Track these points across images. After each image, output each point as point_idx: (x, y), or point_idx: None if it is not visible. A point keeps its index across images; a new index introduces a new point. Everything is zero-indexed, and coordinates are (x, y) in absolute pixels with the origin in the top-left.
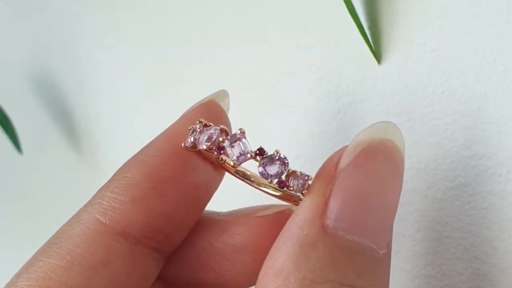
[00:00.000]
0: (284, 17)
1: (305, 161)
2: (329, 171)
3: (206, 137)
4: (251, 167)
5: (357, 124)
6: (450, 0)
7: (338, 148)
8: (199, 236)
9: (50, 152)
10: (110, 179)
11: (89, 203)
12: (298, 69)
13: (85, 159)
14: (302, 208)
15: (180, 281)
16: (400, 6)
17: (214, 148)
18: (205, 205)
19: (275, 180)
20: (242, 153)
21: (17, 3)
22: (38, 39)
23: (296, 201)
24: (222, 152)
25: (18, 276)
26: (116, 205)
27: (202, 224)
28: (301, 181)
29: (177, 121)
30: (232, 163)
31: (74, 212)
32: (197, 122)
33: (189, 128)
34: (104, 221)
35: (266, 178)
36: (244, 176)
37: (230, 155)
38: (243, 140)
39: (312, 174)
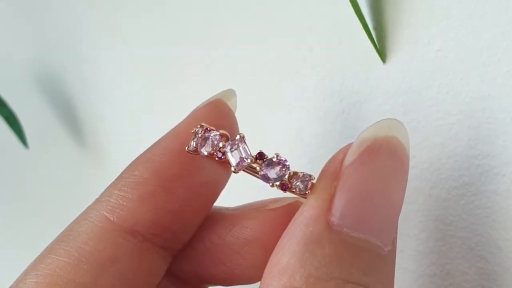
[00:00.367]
0: (288, 17)
1: (309, 161)
2: (334, 168)
3: (206, 143)
4: None
5: (361, 123)
6: (454, 1)
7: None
8: (209, 230)
9: (55, 149)
10: (118, 177)
11: (97, 201)
12: (302, 69)
13: (89, 156)
14: (307, 206)
15: (190, 276)
16: (404, 6)
17: (215, 153)
18: (213, 203)
19: (277, 183)
20: (242, 158)
21: (22, 3)
22: (44, 38)
23: (303, 194)
24: (223, 157)
25: (26, 273)
26: (124, 203)
27: (212, 219)
28: (303, 182)
29: (184, 120)
30: (233, 169)
31: (78, 209)
32: (199, 126)
33: (191, 131)
34: (112, 219)
35: (268, 182)
36: (251, 169)
37: (230, 161)
38: (243, 145)
39: (316, 174)
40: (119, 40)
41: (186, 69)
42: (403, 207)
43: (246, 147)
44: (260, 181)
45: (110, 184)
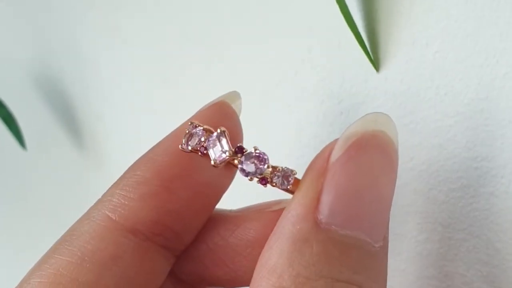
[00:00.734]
0: (287, 18)
1: (307, 162)
2: (321, 164)
3: (192, 138)
4: None
5: None
6: (452, 2)
7: None
8: (212, 232)
9: (54, 150)
10: (120, 177)
11: (99, 201)
12: (301, 70)
13: (88, 158)
14: (294, 204)
15: (193, 277)
16: (402, 8)
17: (198, 149)
18: (215, 204)
19: (257, 178)
20: (221, 152)
21: (22, 3)
22: (43, 38)
23: (286, 189)
24: (205, 152)
25: (31, 273)
26: (126, 202)
27: (215, 220)
28: (284, 177)
29: (186, 121)
30: (212, 163)
31: (77, 210)
32: (189, 123)
33: (185, 130)
34: (114, 218)
35: (246, 176)
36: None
37: (210, 155)
38: (223, 139)
39: None
40: (119, 40)
41: (186, 69)
42: (400, 209)
43: (226, 141)
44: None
45: (113, 184)
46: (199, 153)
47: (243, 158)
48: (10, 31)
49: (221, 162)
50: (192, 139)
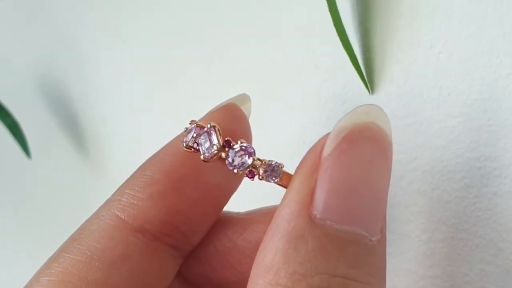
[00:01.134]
0: (290, 19)
1: None
2: (313, 160)
3: (188, 135)
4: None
5: None
6: (456, 3)
7: None
8: (221, 234)
9: (57, 155)
10: (130, 177)
11: (109, 200)
12: (304, 71)
13: (92, 165)
14: (288, 200)
15: (201, 279)
16: (406, 10)
17: (191, 145)
18: (223, 205)
19: (244, 171)
20: (209, 146)
21: (20, 9)
22: (44, 44)
23: (276, 183)
24: (198, 148)
25: (40, 272)
26: (135, 202)
27: (223, 222)
28: (272, 170)
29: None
30: (202, 157)
31: (81, 216)
32: (189, 122)
33: (184, 128)
34: (123, 217)
35: (233, 169)
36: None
37: (200, 150)
38: (212, 134)
39: None
40: (121, 42)
41: (188, 69)
42: (404, 209)
43: (215, 136)
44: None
45: (122, 184)
46: (193, 149)
47: (229, 152)
48: (14, 37)
49: (210, 156)
50: (187, 136)
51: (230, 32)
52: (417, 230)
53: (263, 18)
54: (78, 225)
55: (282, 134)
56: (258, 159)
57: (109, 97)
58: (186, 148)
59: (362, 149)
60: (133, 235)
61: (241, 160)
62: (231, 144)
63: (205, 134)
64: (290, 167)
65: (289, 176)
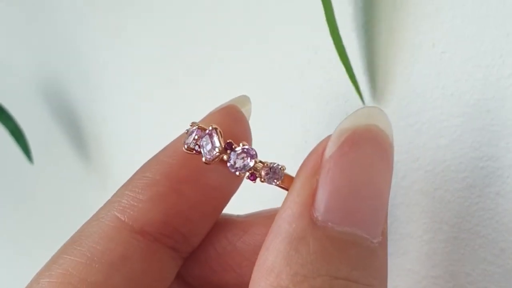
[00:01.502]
0: (293, 18)
1: None
2: (315, 162)
3: (189, 137)
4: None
5: None
6: (459, 3)
7: None
8: (220, 236)
9: (59, 159)
10: (130, 178)
11: (108, 201)
12: (307, 71)
13: (93, 165)
14: (289, 202)
15: (200, 281)
16: (409, 10)
17: (193, 147)
18: (223, 207)
19: (246, 173)
20: (211, 149)
21: (21, 10)
22: (47, 47)
23: (278, 185)
24: (199, 150)
25: (40, 274)
26: (135, 203)
27: (223, 225)
28: (274, 172)
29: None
30: (204, 160)
31: (83, 215)
32: (190, 124)
33: (185, 130)
34: (123, 219)
35: (235, 172)
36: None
37: (202, 152)
38: (214, 136)
39: None
40: (121, 43)
41: (190, 70)
42: (407, 208)
43: (217, 138)
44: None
45: (122, 186)
46: (194, 152)
47: (231, 154)
48: (14, 41)
49: (212, 159)
50: (188, 138)
51: (230, 32)
52: (419, 230)
53: (263, 18)
54: (79, 226)
55: (284, 134)
56: (260, 162)
57: (112, 98)
58: (187, 150)
59: (363, 152)
60: (133, 237)
61: (243, 162)
62: (233, 147)
63: (207, 136)
64: (292, 167)
65: (291, 179)
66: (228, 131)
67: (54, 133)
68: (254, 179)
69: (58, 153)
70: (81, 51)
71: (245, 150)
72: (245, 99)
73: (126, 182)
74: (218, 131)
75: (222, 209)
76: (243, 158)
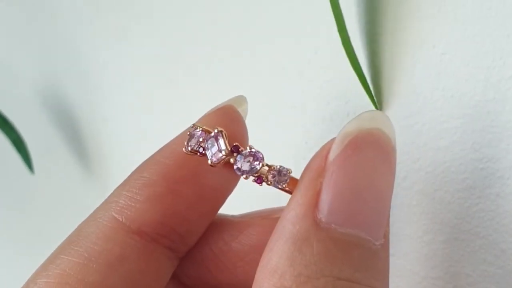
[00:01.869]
0: (294, 18)
1: None
2: (319, 164)
3: (192, 140)
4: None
5: None
6: (459, 4)
7: None
8: (216, 236)
9: (60, 169)
10: (127, 178)
11: (105, 202)
12: (307, 71)
13: (94, 178)
14: (293, 203)
15: (196, 281)
16: (409, 11)
17: (197, 149)
18: (219, 207)
19: (253, 176)
20: (217, 151)
21: (21, 11)
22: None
23: (283, 189)
24: (204, 153)
25: (37, 274)
26: (132, 204)
27: (219, 225)
28: (280, 175)
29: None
30: (209, 162)
31: (83, 216)
32: (191, 126)
33: (187, 132)
34: (120, 219)
35: (242, 175)
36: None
37: (207, 155)
38: (219, 139)
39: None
40: (121, 43)
41: (191, 71)
42: (407, 209)
43: (222, 141)
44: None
45: (119, 186)
46: (198, 154)
47: (238, 157)
48: (16, 47)
49: (218, 161)
50: (192, 141)
51: (230, 32)
52: (419, 231)
53: (264, 18)
54: None
55: (284, 135)
56: (267, 165)
57: (112, 100)
58: (191, 152)
59: (366, 155)
60: (130, 237)
61: (250, 166)
62: (239, 150)
63: (212, 139)
64: (292, 168)
65: (295, 181)
66: (225, 131)
67: (55, 142)
68: (260, 182)
69: (59, 163)
70: (81, 52)
71: (252, 153)
72: (241, 99)
73: (123, 182)
74: (223, 133)
75: (218, 209)
76: (249, 161)
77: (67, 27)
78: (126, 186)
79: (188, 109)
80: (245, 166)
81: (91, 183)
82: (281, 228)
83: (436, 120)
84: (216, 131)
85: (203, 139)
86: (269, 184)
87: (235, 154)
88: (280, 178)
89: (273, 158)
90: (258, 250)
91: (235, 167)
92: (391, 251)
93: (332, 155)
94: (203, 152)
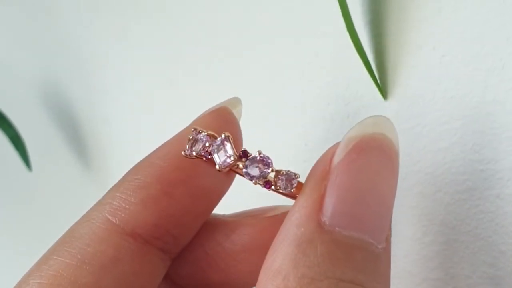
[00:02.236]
0: (294, 20)
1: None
2: (323, 167)
3: (197, 144)
4: None
5: None
6: (459, 6)
7: None
8: (208, 236)
9: (58, 166)
10: (121, 180)
11: (99, 203)
12: (307, 73)
13: (94, 178)
14: (298, 206)
15: (188, 281)
16: (409, 13)
17: (203, 154)
18: (213, 208)
19: (261, 181)
20: (226, 156)
21: (22, 11)
22: (49, 51)
23: (289, 193)
24: (210, 157)
25: (29, 274)
26: (126, 206)
27: (211, 225)
28: (288, 180)
29: (188, 127)
30: (217, 167)
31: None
32: (192, 129)
33: (189, 136)
34: (114, 221)
35: (251, 180)
36: (238, 169)
37: (215, 160)
38: (227, 144)
39: None
40: (122, 43)
41: (191, 72)
42: (406, 211)
43: (230, 146)
44: (259, 187)
45: (113, 187)
46: (204, 159)
47: (248, 162)
48: (15, 46)
49: (226, 166)
50: (197, 145)
51: (231, 32)
52: (419, 232)
53: (264, 19)
54: None
55: (284, 136)
56: (275, 170)
57: (112, 100)
58: (197, 156)
59: (370, 159)
60: (124, 239)
61: (259, 171)
62: (248, 155)
63: (219, 144)
64: (291, 169)
65: (301, 185)
66: (220, 132)
67: (53, 140)
68: (269, 187)
69: (57, 160)
70: (81, 53)
71: (261, 158)
72: (235, 100)
73: (117, 184)
74: (230, 138)
75: (212, 210)
76: (258, 166)
77: (67, 28)
78: (120, 187)
79: (188, 109)
80: (255, 172)
81: (90, 180)
82: (285, 230)
83: (436, 122)
84: (223, 136)
85: (209, 144)
86: (277, 189)
87: (243, 160)
88: (288, 183)
89: (273, 159)
90: (250, 250)
91: (244, 171)
92: (391, 252)
93: (336, 159)
94: (209, 157)
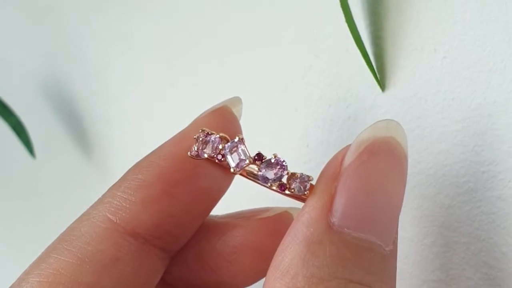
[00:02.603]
0: (295, 23)
1: (314, 167)
2: (334, 169)
3: (207, 146)
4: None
5: None
6: (460, 9)
7: None
8: (200, 237)
9: (61, 154)
10: (121, 178)
11: (100, 201)
12: (309, 75)
13: (95, 163)
14: (308, 207)
15: (180, 281)
16: (410, 15)
17: (215, 156)
18: (212, 208)
19: (276, 184)
20: (240, 159)
21: (25, 10)
22: (49, 45)
23: (302, 195)
24: (222, 159)
25: (28, 272)
26: (127, 205)
27: (203, 226)
28: (302, 183)
29: (188, 126)
30: (232, 170)
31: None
32: (200, 131)
33: (194, 137)
34: (115, 220)
35: (266, 183)
36: (254, 177)
37: (230, 162)
38: (241, 146)
39: None
40: (124, 43)
41: (193, 73)
42: (408, 213)
43: (245, 148)
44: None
45: (113, 185)
46: (216, 160)
47: (263, 165)
48: (18, 39)
49: (240, 169)
50: (207, 147)
51: (233, 34)
52: (420, 234)
53: (265, 20)
54: None
55: (285, 138)
56: (290, 173)
57: (115, 99)
58: (209, 158)
59: (380, 162)
60: (124, 238)
61: (275, 174)
62: (263, 158)
63: (234, 146)
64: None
65: (312, 187)
66: (220, 132)
67: (55, 128)
68: (284, 190)
69: (60, 148)
70: (84, 48)
71: (277, 161)
72: (236, 100)
73: (117, 182)
74: (244, 141)
75: (211, 210)
76: (274, 169)
77: (70, 29)
78: (121, 186)
79: (190, 109)
80: (270, 174)
81: (92, 166)
82: (294, 230)
83: (437, 124)
84: (237, 139)
85: (222, 147)
86: (291, 192)
87: (258, 162)
88: (301, 185)
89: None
90: (242, 250)
91: (259, 174)
92: None
93: (347, 161)
94: (222, 159)
